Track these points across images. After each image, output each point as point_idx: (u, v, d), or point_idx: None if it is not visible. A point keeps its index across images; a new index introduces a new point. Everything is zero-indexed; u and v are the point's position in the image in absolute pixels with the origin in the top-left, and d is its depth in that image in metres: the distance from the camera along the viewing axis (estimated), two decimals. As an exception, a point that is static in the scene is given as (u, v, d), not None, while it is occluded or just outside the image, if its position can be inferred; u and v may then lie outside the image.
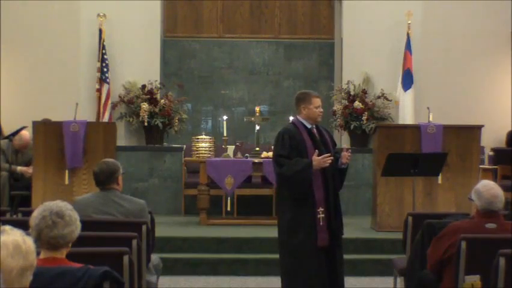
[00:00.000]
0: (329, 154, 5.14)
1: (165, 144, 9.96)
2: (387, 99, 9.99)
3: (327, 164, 5.10)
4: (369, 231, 8.01)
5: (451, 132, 8.02)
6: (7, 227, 2.04)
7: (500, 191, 4.19)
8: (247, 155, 8.53)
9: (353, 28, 10.30)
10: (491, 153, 9.52)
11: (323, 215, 5.12)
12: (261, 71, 10.99)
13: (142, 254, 4.36)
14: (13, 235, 2.03)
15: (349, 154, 5.27)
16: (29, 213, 3.15)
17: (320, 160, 5.08)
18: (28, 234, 2.19)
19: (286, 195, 5.26)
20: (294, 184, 5.16)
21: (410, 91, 9.90)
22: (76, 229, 2.98)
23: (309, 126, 5.31)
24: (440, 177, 7.78)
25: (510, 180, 8.60)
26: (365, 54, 10.16)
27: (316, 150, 5.13)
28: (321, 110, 5.34)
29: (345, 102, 10.03)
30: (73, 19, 10.04)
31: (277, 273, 5.47)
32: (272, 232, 7.42)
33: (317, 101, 5.28)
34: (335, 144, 5.49)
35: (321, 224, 5.12)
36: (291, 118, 8.66)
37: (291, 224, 5.21)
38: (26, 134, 8.30)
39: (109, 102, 9.80)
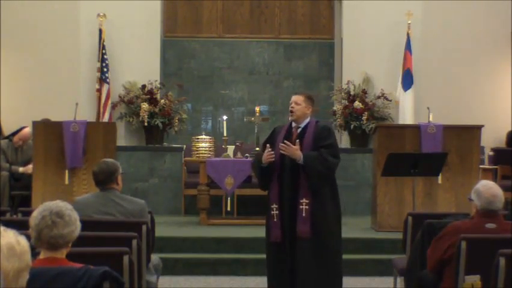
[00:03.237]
0: (270, 149, 5.14)
1: (165, 144, 9.96)
2: (387, 99, 9.98)
3: (271, 159, 5.10)
4: (369, 231, 8.01)
5: (451, 132, 8.02)
6: (0, 228, 2.02)
7: (499, 191, 4.19)
8: (247, 155, 8.52)
9: (353, 28, 10.29)
10: (491, 153, 9.52)
11: (276, 212, 5.17)
12: (261, 71, 10.99)
13: (142, 254, 4.35)
14: (6, 237, 2.01)
15: (282, 146, 5.07)
16: (29, 213, 3.15)
17: (264, 155, 5.16)
18: (27, 234, 2.18)
19: None
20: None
21: (410, 91, 9.89)
22: (76, 229, 2.98)
23: (294, 125, 5.32)
24: (440, 177, 7.78)
25: (510, 180, 8.60)
26: (365, 54, 10.16)
27: (267, 145, 5.19)
28: (293, 106, 5.22)
29: (345, 102, 10.02)
30: (73, 19, 10.04)
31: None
32: (272, 232, 7.45)
33: (291, 98, 5.31)
34: (324, 143, 5.17)
35: (274, 220, 5.16)
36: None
37: None
38: (27, 129, 8.33)
39: (109, 102, 9.79)
